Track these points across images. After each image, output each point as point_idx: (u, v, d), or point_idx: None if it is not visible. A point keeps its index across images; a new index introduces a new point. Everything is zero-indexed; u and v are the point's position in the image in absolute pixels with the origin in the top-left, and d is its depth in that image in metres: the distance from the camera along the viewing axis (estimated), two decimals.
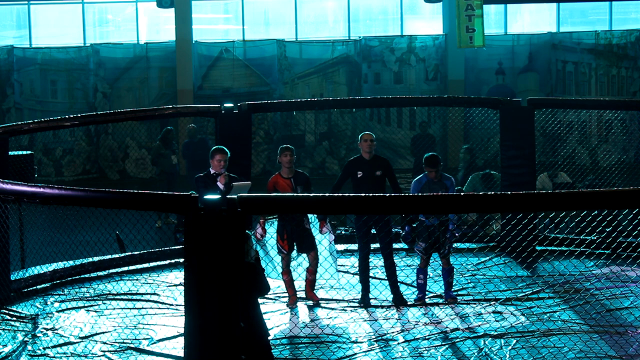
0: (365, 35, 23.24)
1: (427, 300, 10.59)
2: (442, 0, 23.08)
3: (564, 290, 10.73)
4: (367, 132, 10.92)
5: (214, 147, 10.33)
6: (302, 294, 10.79)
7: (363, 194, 6.57)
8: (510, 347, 8.96)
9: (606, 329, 9.34)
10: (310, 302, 10.62)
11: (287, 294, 10.69)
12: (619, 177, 15.42)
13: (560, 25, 23.77)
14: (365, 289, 10.66)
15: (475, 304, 10.42)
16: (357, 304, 10.51)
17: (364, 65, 23.06)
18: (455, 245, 11.34)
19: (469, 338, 9.30)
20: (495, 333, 9.39)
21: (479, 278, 11.51)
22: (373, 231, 10.76)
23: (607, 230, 10.40)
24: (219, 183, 9.82)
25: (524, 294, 10.76)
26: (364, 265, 10.70)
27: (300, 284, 10.84)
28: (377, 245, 10.81)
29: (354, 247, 13.17)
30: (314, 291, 10.74)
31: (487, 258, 12.52)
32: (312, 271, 10.58)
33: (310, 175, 11.08)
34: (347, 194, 6.57)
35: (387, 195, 6.54)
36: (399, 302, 10.50)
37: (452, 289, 10.65)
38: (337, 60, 23.02)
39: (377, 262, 11.27)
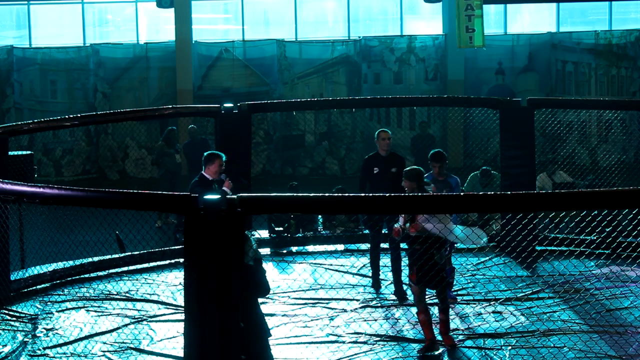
0: (365, 35, 23.23)
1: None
2: (442, 0, 23.06)
3: (564, 290, 10.73)
4: (383, 130, 11.36)
5: (212, 152, 10.31)
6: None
7: (363, 194, 6.57)
8: (510, 347, 8.96)
9: (606, 329, 9.34)
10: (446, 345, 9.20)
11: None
12: (618, 177, 15.42)
13: (560, 25, 23.75)
14: (376, 274, 11.05)
15: (475, 304, 10.42)
16: (356, 304, 10.50)
17: (364, 65, 23.04)
18: (455, 245, 11.32)
19: (469, 338, 9.30)
20: (495, 333, 9.39)
21: (479, 278, 11.51)
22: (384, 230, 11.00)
23: (607, 230, 10.39)
24: (225, 188, 9.91)
25: (524, 294, 10.76)
26: (375, 254, 11.09)
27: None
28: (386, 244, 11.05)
29: (354, 247, 13.20)
30: (450, 333, 9.32)
31: (487, 258, 12.51)
32: (443, 309, 9.27)
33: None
34: (347, 194, 6.56)
35: (387, 195, 6.53)
36: (399, 295, 10.63)
37: (452, 289, 10.64)
38: (337, 60, 23.00)
39: (386, 262, 11.24)
